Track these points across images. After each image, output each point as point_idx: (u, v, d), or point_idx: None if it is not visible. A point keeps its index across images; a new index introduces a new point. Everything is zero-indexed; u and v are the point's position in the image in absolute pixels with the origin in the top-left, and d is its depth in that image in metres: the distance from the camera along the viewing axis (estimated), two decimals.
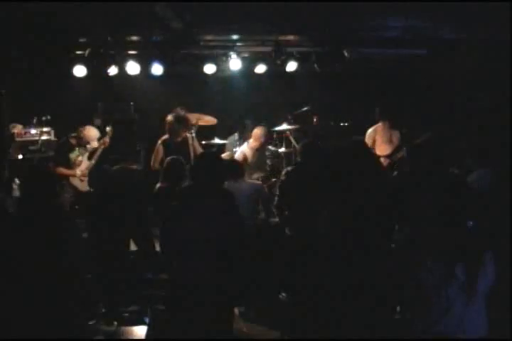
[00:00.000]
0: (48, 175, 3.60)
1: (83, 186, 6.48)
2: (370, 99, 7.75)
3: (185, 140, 6.36)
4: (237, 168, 5.26)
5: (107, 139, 6.53)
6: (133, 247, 5.15)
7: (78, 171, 6.49)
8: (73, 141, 6.65)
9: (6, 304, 3.16)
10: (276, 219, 5.52)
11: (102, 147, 6.49)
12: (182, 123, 6.29)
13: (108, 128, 6.62)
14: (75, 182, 6.51)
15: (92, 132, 6.65)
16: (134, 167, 5.61)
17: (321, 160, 5.60)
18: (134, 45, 6.97)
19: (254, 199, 5.27)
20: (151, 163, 6.36)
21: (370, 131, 6.93)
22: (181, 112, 6.44)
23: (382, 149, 6.80)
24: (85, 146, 6.63)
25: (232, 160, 5.63)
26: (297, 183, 5.06)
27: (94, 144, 6.62)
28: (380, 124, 6.87)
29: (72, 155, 6.59)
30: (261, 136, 6.81)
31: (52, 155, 6.79)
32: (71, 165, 6.55)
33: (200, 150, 6.38)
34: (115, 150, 6.53)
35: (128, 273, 4.90)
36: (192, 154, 6.24)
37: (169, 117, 6.29)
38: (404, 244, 2.93)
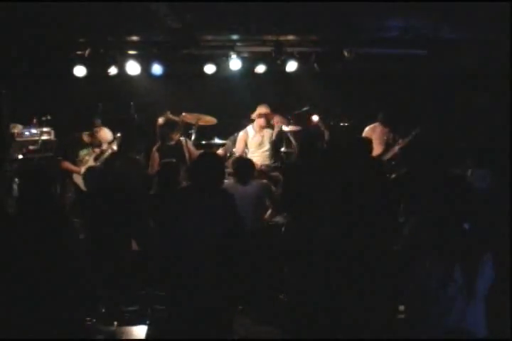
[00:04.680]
0: (47, 175, 3.59)
1: None
2: (370, 99, 7.76)
3: (180, 143, 6.39)
4: (248, 168, 5.22)
5: (114, 145, 6.56)
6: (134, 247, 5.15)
7: (83, 169, 6.48)
8: (86, 139, 6.66)
9: (6, 304, 3.16)
10: (277, 219, 5.52)
11: (110, 151, 6.51)
12: (171, 126, 6.32)
13: (118, 134, 6.64)
14: (78, 180, 6.51)
15: (107, 134, 6.67)
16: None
17: (321, 158, 5.61)
18: (134, 45, 6.98)
19: (263, 200, 5.23)
20: (149, 169, 6.36)
21: (367, 129, 6.91)
22: (170, 115, 6.45)
23: (376, 150, 6.78)
24: (95, 147, 6.64)
25: (244, 161, 5.51)
26: (296, 182, 5.06)
27: (104, 146, 6.63)
28: (379, 126, 6.85)
29: (82, 153, 6.61)
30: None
31: (56, 153, 6.81)
32: (78, 162, 6.57)
33: (195, 152, 6.37)
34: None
35: (128, 273, 4.89)
36: (187, 156, 6.25)
37: (159, 121, 6.35)
38: (404, 245, 2.93)
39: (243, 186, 5.04)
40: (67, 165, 6.53)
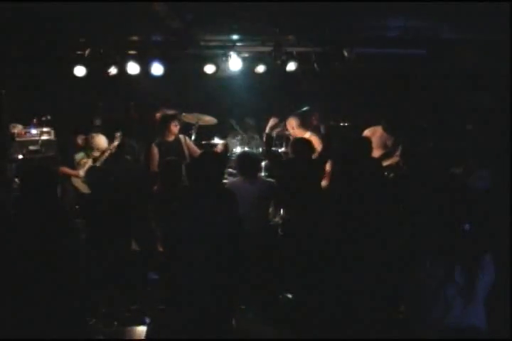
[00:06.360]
0: (47, 175, 3.59)
1: (85, 188, 6.42)
2: (370, 99, 7.75)
3: (178, 140, 6.43)
4: (252, 164, 5.15)
5: (115, 144, 6.55)
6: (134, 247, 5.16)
7: (81, 172, 6.48)
8: (80, 142, 6.66)
9: (6, 304, 3.16)
10: (276, 219, 5.52)
11: (109, 151, 6.51)
12: (169, 118, 6.34)
13: (118, 134, 6.62)
14: (77, 183, 6.51)
15: (101, 141, 6.66)
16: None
17: (319, 157, 5.62)
18: (134, 45, 6.98)
19: (267, 198, 5.16)
20: (149, 166, 6.35)
21: (368, 131, 6.84)
22: (168, 110, 6.49)
23: (375, 153, 6.73)
24: (90, 151, 6.63)
25: (247, 156, 5.39)
26: (290, 181, 5.05)
27: (100, 149, 6.63)
28: (380, 129, 6.80)
29: (78, 156, 6.61)
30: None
31: (56, 154, 6.80)
32: (75, 165, 6.56)
33: (195, 148, 6.41)
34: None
35: (128, 273, 4.90)
36: (187, 153, 6.29)
37: (157, 115, 6.39)
38: (404, 245, 2.93)
39: (250, 185, 4.96)
40: (64, 169, 6.48)
